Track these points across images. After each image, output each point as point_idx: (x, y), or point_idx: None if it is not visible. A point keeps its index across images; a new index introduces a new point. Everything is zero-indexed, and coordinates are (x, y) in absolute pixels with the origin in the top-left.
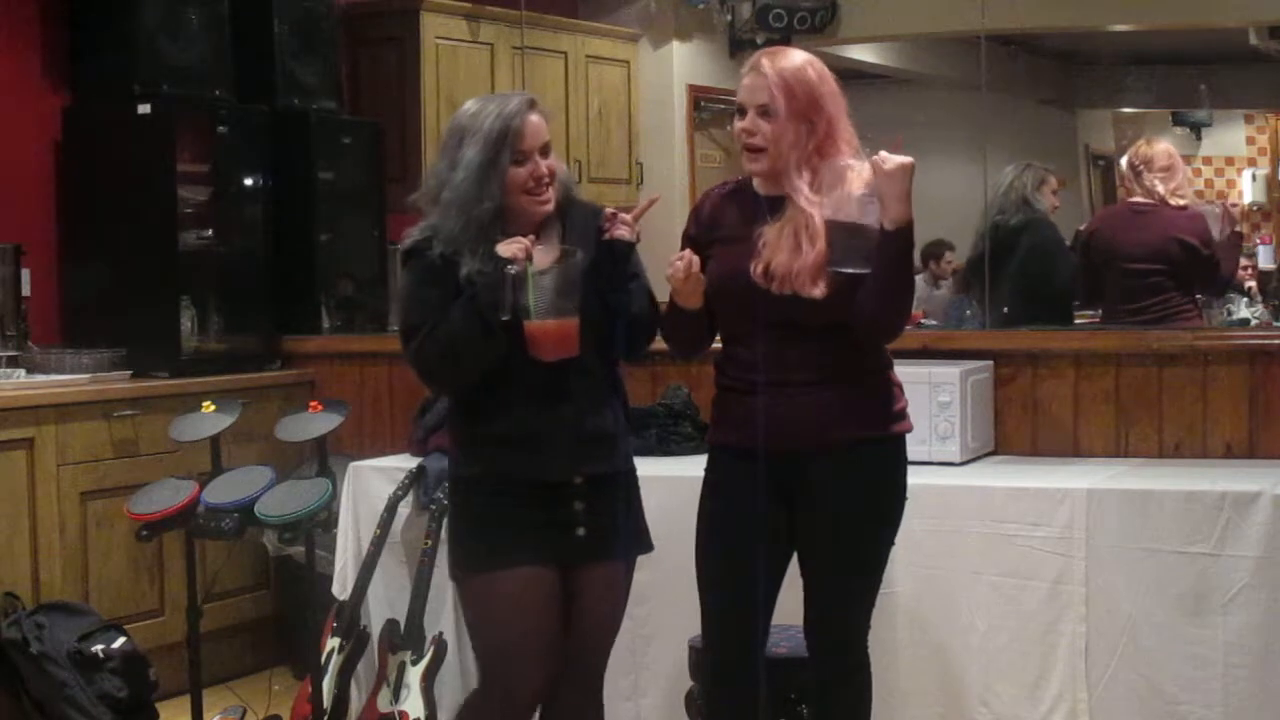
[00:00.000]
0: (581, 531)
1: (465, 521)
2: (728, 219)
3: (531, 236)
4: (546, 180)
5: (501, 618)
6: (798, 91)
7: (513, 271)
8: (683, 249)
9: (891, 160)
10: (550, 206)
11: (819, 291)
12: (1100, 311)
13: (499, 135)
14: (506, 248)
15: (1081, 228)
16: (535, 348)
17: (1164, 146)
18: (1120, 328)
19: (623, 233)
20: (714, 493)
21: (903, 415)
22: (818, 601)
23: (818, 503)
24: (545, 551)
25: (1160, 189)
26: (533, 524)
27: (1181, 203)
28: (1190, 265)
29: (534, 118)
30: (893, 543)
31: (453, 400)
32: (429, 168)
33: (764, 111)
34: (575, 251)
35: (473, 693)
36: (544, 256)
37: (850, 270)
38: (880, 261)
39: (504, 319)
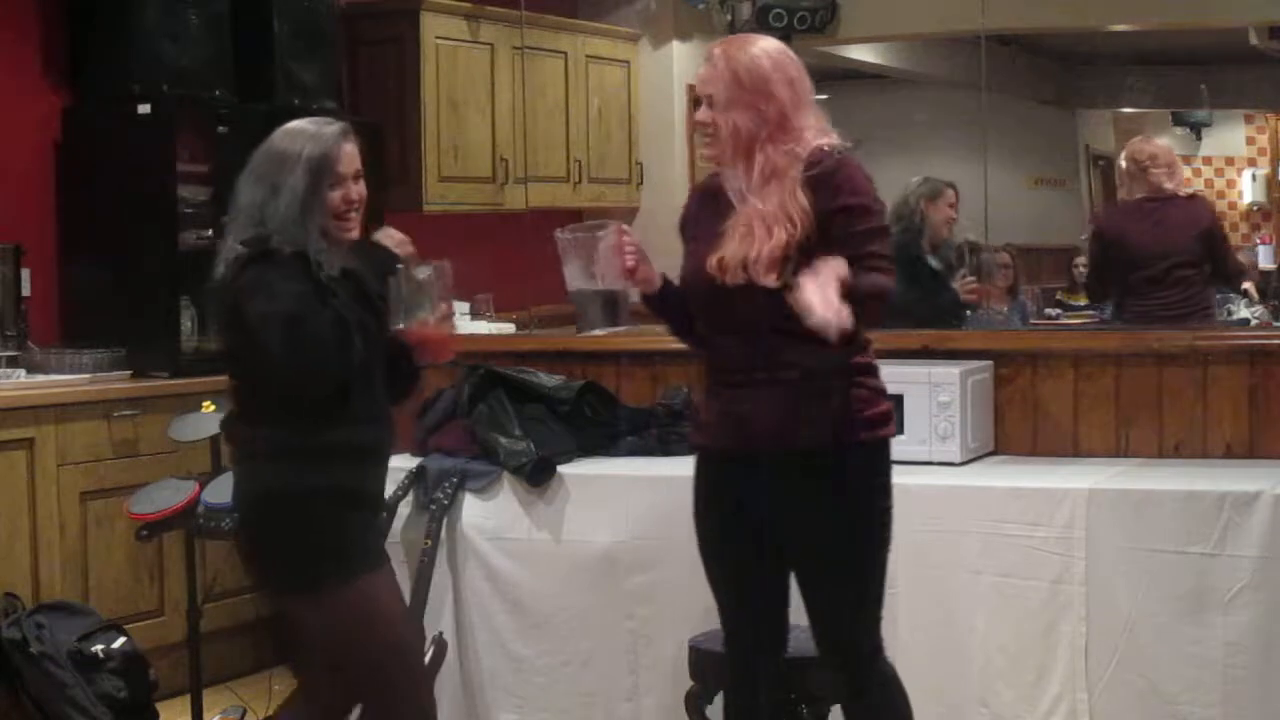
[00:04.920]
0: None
1: (320, 532)
2: (702, 215)
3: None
4: (356, 205)
5: (389, 615)
6: (744, 79)
7: (422, 277)
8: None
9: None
10: (356, 233)
11: (771, 280)
12: (1110, 309)
13: (319, 162)
14: (399, 246)
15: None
16: (423, 350)
17: (1164, 143)
18: (1121, 327)
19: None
20: (694, 496)
21: (875, 422)
22: (809, 618)
23: (784, 510)
24: (384, 555)
25: (1168, 184)
26: (373, 529)
27: (1189, 192)
28: (1212, 252)
29: (349, 145)
30: (880, 547)
31: (283, 411)
32: (238, 194)
33: (713, 102)
34: (444, 265)
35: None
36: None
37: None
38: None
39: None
